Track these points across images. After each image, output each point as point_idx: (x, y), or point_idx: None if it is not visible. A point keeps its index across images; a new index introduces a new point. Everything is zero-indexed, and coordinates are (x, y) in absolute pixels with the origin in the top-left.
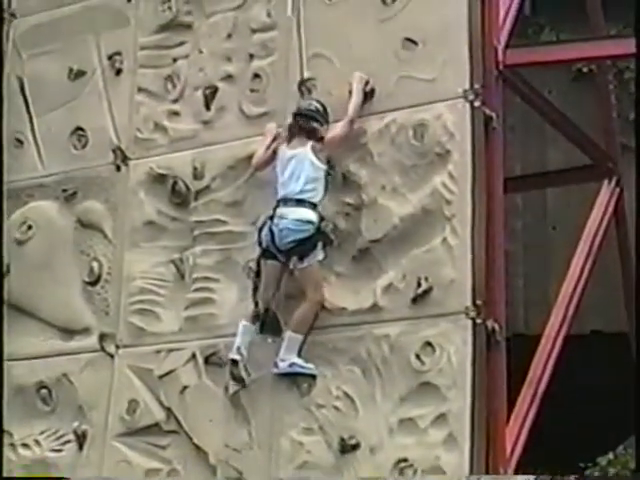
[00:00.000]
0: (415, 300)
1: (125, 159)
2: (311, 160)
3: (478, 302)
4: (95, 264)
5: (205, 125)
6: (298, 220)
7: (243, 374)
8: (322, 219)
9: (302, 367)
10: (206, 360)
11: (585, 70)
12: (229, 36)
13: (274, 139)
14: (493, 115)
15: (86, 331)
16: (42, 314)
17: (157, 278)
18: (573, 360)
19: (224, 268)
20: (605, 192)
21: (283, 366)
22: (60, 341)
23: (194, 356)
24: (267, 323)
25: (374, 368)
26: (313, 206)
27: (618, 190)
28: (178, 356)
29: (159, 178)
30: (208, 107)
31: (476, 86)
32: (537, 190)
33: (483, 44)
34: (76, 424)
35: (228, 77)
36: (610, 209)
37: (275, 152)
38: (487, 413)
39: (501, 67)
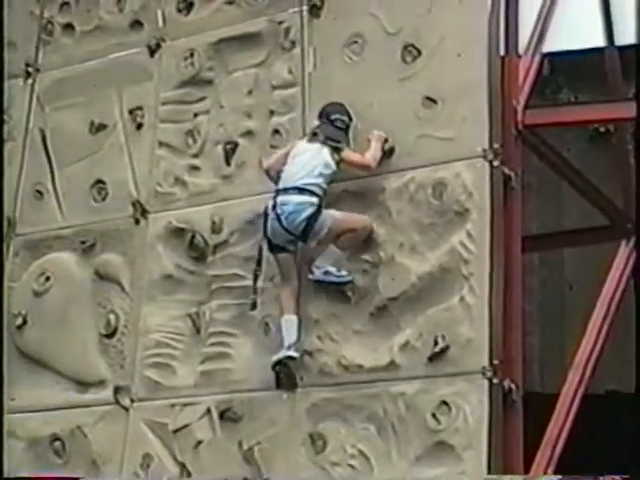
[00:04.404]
0: (432, 359)
1: (144, 212)
2: (324, 157)
3: (495, 362)
4: (112, 317)
5: (225, 180)
6: (300, 203)
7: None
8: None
9: (336, 276)
10: (221, 415)
11: (602, 130)
12: (250, 92)
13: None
14: (512, 175)
15: (101, 384)
16: (58, 365)
17: (173, 332)
18: (588, 420)
19: (240, 323)
20: (623, 252)
21: (318, 273)
22: (75, 393)
23: (209, 411)
24: (282, 378)
25: (390, 426)
26: (314, 195)
27: (636, 251)
28: (193, 411)
29: (177, 232)
30: (228, 162)
31: (495, 146)
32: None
33: (503, 104)
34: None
35: (248, 133)
36: (628, 269)
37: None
38: (503, 473)
39: (520, 127)
